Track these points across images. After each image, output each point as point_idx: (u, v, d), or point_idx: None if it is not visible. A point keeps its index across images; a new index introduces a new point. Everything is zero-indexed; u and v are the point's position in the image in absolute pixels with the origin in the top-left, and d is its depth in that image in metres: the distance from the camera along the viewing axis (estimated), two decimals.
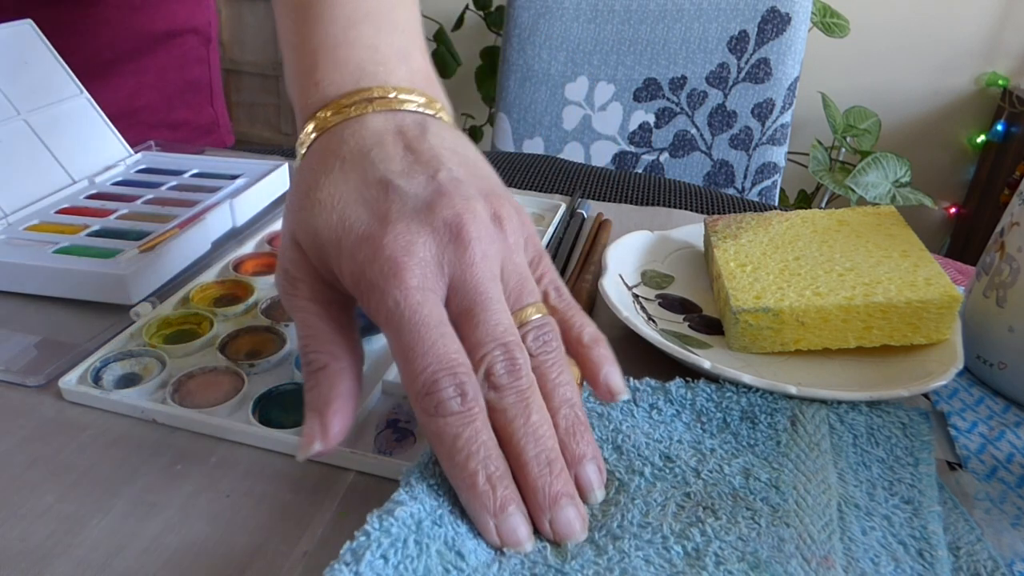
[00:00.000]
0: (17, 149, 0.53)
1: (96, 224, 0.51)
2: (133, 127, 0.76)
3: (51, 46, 0.58)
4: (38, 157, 0.54)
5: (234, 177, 0.60)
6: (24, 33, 0.57)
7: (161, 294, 0.45)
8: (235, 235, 0.53)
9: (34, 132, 0.54)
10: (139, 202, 0.55)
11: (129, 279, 0.43)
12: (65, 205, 0.54)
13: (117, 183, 0.58)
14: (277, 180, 0.60)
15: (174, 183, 0.59)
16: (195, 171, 0.62)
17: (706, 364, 0.38)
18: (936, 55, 1.82)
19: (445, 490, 0.30)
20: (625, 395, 0.32)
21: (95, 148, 0.59)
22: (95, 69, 0.71)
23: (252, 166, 0.61)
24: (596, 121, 1.16)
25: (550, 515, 0.28)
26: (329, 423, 0.29)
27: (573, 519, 0.28)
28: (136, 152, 0.63)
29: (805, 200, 1.91)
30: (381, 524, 0.27)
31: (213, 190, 0.57)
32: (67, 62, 0.59)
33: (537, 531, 0.29)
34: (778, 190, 1.19)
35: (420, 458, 0.31)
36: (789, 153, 1.24)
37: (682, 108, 1.14)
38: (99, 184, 0.58)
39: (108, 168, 0.59)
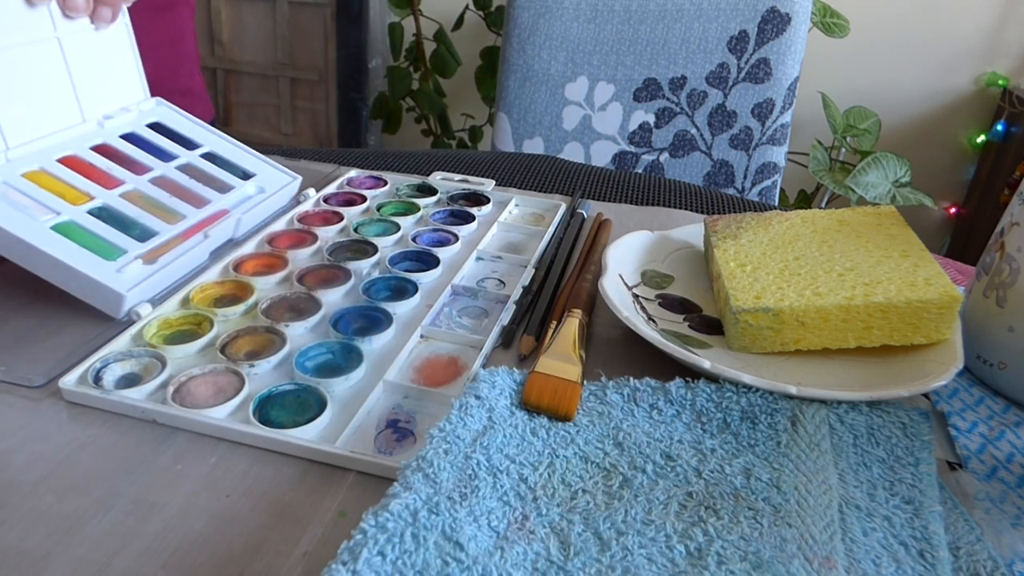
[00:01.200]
0: (39, 73, 0.50)
1: (99, 197, 0.49)
2: (153, 95, 0.78)
3: None
4: (57, 85, 0.52)
5: (246, 176, 0.58)
6: None
7: (160, 295, 0.45)
8: (232, 243, 0.53)
9: (63, 55, 0.52)
10: (145, 178, 0.52)
11: (127, 298, 0.43)
12: (68, 152, 0.51)
13: (124, 136, 0.56)
14: (287, 194, 0.59)
15: (184, 162, 0.56)
16: (206, 150, 0.59)
17: (706, 364, 0.38)
18: (936, 55, 1.82)
19: (443, 478, 0.30)
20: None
21: (115, 84, 0.57)
22: None
23: (266, 169, 0.60)
24: (596, 121, 1.16)
25: None
26: None
27: None
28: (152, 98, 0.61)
29: (805, 200, 1.91)
30: (376, 520, 0.27)
31: (223, 187, 0.55)
32: None
33: (538, 527, 0.29)
34: (778, 190, 1.19)
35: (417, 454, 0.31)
36: (789, 153, 1.23)
37: (682, 108, 1.14)
38: (107, 131, 0.55)
39: (122, 110, 0.57)
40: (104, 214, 0.48)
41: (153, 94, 0.76)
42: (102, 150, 0.54)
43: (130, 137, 0.56)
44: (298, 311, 0.45)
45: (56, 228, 0.45)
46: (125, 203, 0.50)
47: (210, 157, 0.59)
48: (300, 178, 0.61)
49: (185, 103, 0.84)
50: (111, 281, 0.43)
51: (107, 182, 0.51)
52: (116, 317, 0.43)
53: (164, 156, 0.56)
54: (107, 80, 0.56)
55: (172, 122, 0.61)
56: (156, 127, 0.59)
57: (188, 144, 0.59)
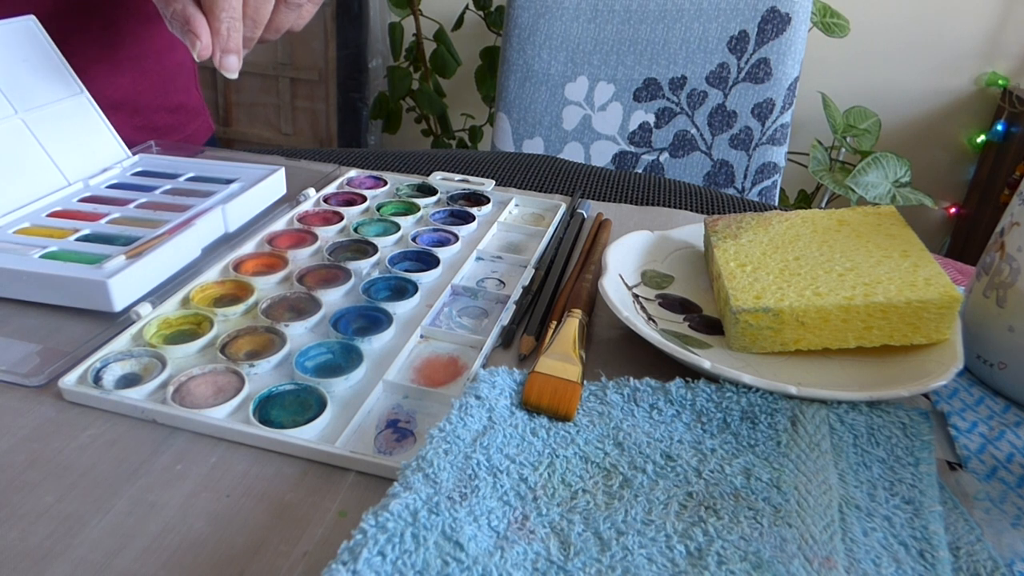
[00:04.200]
0: (12, 149, 0.53)
1: (86, 228, 0.50)
2: (139, 113, 0.76)
3: (53, 43, 0.58)
4: (33, 158, 0.54)
5: (229, 181, 0.59)
6: (26, 30, 0.57)
7: (160, 295, 0.45)
8: (228, 240, 0.53)
9: (31, 132, 0.54)
10: (131, 206, 0.54)
11: (112, 286, 0.43)
12: (57, 208, 0.53)
13: (112, 186, 0.58)
14: (273, 185, 0.60)
15: (168, 187, 0.58)
16: (191, 175, 0.61)
17: (706, 364, 0.38)
18: (936, 55, 1.82)
19: (443, 478, 0.30)
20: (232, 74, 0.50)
21: (92, 149, 0.59)
22: (102, 55, 0.71)
23: (248, 170, 0.61)
24: (596, 121, 1.16)
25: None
26: (199, 30, 0.48)
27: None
28: (135, 153, 0.63)
29: (805, 200, 1.91)
30: (376, 520, 0.27)
31: (207, 195, 0.56)
32: (73, 51, 0.59)
33: (538, 527, 0.29)
34: (778, 190, 1.19)
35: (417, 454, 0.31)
36: (789, 153, 1.24)
37: (682, 108, 1.14)
38: (93, 187, 0.57)
39: (105, 170, 0.59)
40: (91, 237, 0.50)
41: (132, 111, 0.76)
42: (91, 199, 0.55)
43: (118, 185, 0.58)
44: (298, 311, 0.45)
45: (45, 256, 0.47)
46: (111, 227, 0.51)
47: (195, 179, 0.60)
48: (282, 168, 0.61)
49: (176, 120, 0.82)
50: (92, 274, 0.43)
51: (94, 218, 0.52)
52: (109, 310, 0.43)
53: (151, 189, 0.58)
54: (83, 146, 0.58)
55: (158, 165, 0.62)
56: (143, 174, 0.61)
57: (175, 177, 0.61)
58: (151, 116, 0.78)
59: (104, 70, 0.71)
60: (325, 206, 0.60)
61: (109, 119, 0.61)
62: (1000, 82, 1.79)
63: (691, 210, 0.68)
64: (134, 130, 0.74)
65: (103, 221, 0.52)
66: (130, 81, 0.75)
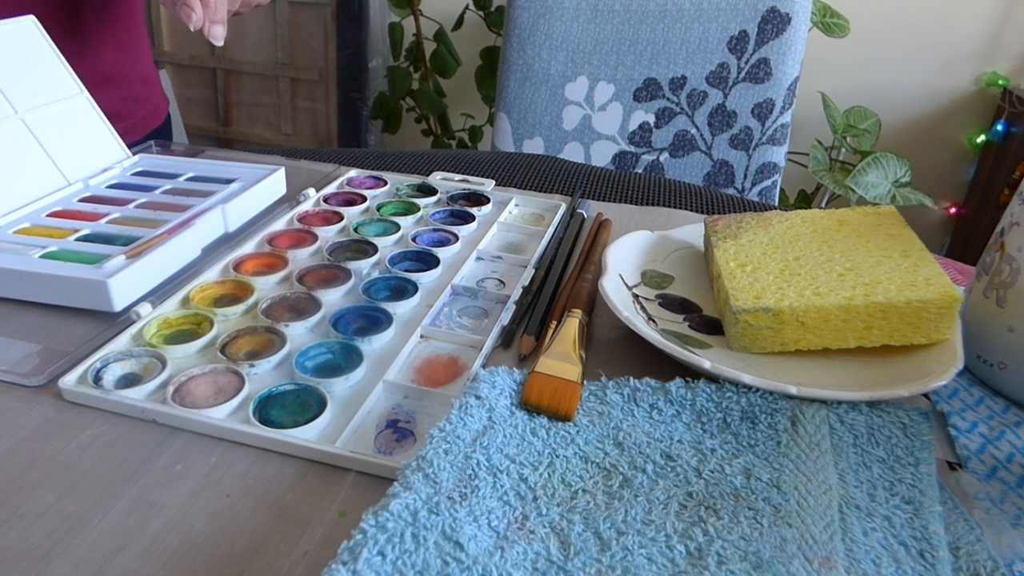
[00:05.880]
0: (12, 150, 0.53)
1: (86, 228, 0.50)
2: (123, 85, 0.80)
3: (53, 43, 0.58)
4: (33, 158, 0.54)
5: (229, 181, 0.59)
6: (26, 30, 0.57)
7: (160, 295, 0.45)
8: (228, 240, 0.53)
9: (31, 132, 0.54)
10: (131, 206, 0.54)
11: (112, 286, 0.43)
12: (57, 208, 0.53)
13: (112, 186, 0.58)
14: (273, 185, 0.60)
15: (168, 187, 0.58)
16: (191, 174, 0.61)
17: (706, 364, 0.38)
18: (936, 55, 1.82)
19: (443, 478, 0.30)
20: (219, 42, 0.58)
21: (92, 149, 0.59)
22: (95, 30, 0.75)
23: (248, 170, 0.61)
24: (596, 121, 1.16)
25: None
26: (193, 3, 0.53)
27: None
28: (135, 153, 0.63)
29: (805, 200, 1.91)
30: (377, 520, 0.27)
31: (207, 195, 0.56)
32: (70, 31, 0.60)
33: (538, 527, 0.29)
34: (778, 190, 1.19)
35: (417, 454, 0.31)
36: (789, 153, 1.23)
37: (682, 108, 1.14)
38: (93, 187, 0.57)
39: (105, 170, 0.59)
40: (91, 237, 0.50)
41: (119, 83, 0.79)
42: (91, 199, 0.55)
43: (118, 185, 0.58)
44: (298, 311, 0.45)
45: (45, 256, 0.47)
46: (111, 227, 0.51)
47: (195, 179, 0.61)
48: (282, 168, 0.61)
49: (147, 91, 0.86)
50: (92, 274, 0.43)
51: (94, 217, 0.52)
52: (109, 310, 0.43)
53: (151, 189, 0.58)
54: (83, 146, 0.59)
55: (158, 165, 0.62)
56: (143, 174, 0.61)
57: (174, 177, 0.61)
58: (131, 88, 0.82)
59: (96, 46, 0.75)
60: (325, 206, 0.60)
61: (101, 93, 0.62)
62: (1000, 82, 1.79)
63: (691, 210, 0.68)
64: (120, 102, 0.77)
65: (103, 221, 0.52)
66: (115, 55, 0.79)
